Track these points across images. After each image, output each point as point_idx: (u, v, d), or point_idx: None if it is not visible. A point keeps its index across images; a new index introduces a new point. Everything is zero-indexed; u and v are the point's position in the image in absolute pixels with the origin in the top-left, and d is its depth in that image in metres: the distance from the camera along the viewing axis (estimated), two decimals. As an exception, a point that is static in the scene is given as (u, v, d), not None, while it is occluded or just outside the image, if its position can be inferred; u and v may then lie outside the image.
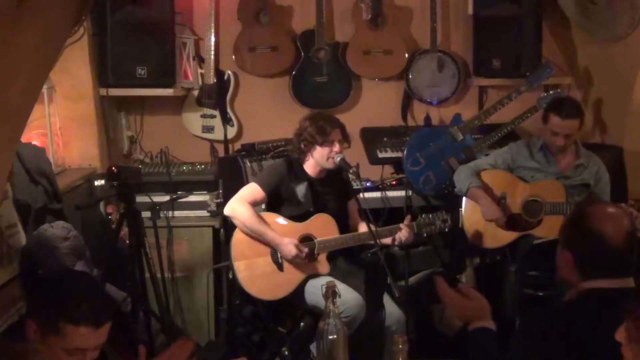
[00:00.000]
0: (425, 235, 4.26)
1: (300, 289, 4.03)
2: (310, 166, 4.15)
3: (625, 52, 4.93)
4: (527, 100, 5.05)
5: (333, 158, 4.06)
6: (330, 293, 2.73)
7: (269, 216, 4.10)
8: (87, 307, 2.37)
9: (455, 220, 4.42)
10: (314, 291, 3.95)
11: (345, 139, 4.12)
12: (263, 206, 4.25)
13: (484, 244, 4.58)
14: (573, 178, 4.51)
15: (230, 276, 4.19)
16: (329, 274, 3.98)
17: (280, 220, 4.09)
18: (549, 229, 4.33)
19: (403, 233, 4.07)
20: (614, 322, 1.98)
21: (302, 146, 4.10)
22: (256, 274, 4.03)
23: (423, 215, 4.22)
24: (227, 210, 4.08)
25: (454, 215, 4.50)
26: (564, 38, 5.53)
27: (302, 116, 4.31)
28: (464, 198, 4.62)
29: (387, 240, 4.11)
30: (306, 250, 3.98)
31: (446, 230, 4.25)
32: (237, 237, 4.07)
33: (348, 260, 4.14)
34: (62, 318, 2.35)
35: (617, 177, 4.82)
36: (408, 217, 4.20)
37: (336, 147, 4.05)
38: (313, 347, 3.97)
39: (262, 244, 4.03)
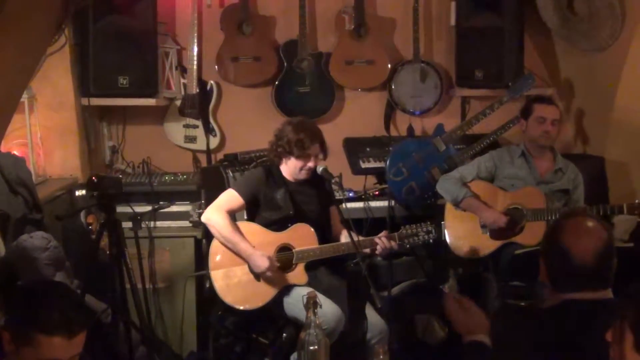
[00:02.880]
0: (408, 246, 4.21)
1: (278, 300, 3.99)
2: (287, 171, 4.14)
3: (607, 63, 4.98)
4: (510, 111, 5.08)
5: (306, 170, 4.04)
6: (312, 304, 2.72)
7: (248, 225, 4.08)
8: (60, 316, 2.33)
9: (439, 231, 4.40)
10: (292, 302, 3.93)
11: (322, 151, 4.11)
12: (244, 215, 4.24)
13: (467, 254, 4.58)
14: (553, 183, 4.55)
15: (207, 285, 4.17)
16: (308, 285, 3.95)
17: (259, 229, 4.06)
18: (531, 235, 4.34)
19: (382, 240, 4.02)
20: (590, 333, 1.99)
21: (278, 150, 4.08)
22: (233, 283, 4.01)
23: (406, 226, 4.13)
24: (204, 217, 4.08)
25: (437, 225, 4.50)
26: (545, 49, 5.57)
27: (286, 119, 4.26)
28: (446, 208, 4.62)
29: (368, 251, 4.08)
30: (277, 264, 3.96)
31: (430, 241, 4.16)
32: (215, 245, 4.05)
33: (329, 271, 4.11)
34: (34, 328, 2.32)
35: (599, 187, 4.85)
36: (384, 232, 4.09)
37: (311, 163, 4.03)
38: (294, 359, 3.95)
39: None
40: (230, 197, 4.08)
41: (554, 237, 2.42)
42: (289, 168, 4.09)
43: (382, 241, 4.00)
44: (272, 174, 4.13)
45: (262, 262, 3.89)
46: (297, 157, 4.01)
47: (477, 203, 4.51)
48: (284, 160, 4.10)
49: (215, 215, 4.01)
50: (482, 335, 2.38)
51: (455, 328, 2.45)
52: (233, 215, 4.09)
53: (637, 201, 4.23)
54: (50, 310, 2.34)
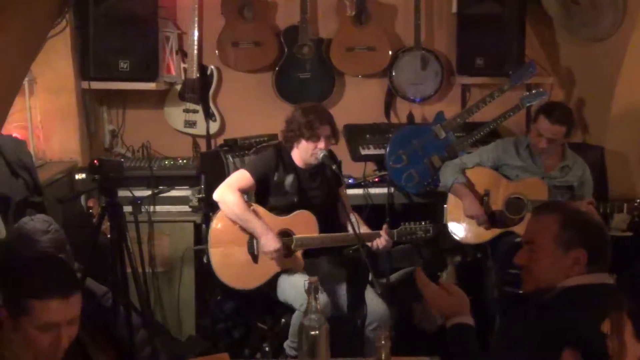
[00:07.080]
0: (405, 242, 4.24)
1: (273, 283, 4.02)
2: (297, 157, 4.13)
3: (608, 52, 4.97)
4: (510, 99, 5.08)
5: (316, 155, 4.04)
6: (313, 289, 2.72)
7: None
8: (51, 280, 2.36)
9: (439, 217, 4.41)
10: (286, 287, 3.96)
11: (333, 135, 4.11)
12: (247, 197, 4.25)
13: (466, 240, 4.60)
14: (557, 179, 4.53)
15: (205, 260, 4.18)
16: (305, 272, 3.97)
17: (261, 211, 4.06)
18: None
19: (381, 241, 4.04)
20: (600, 316, 2.00)
21: (289, 135, 4.09)
22: (230, 262, 4.03)
23: (405, 224, 4.15)
24: (216, 195, 4.05)
25: (438, 213, 4.51)
26: (547, 38, 5.56)
27: (296, 105, 4.28)
28: (449, 194, 4.63)
29: (370, 244, 4.09)
30: (284, 252, 3.98)
31: (426, 239, 4.23)
32: (216, 224, 4.07)
33: (328, 260, 4.13)
34: (27, 296, 2.33)
35: (599, 177, 4.86)
36: (385, 226, 4.11)
37: (321, 144, 4.02)
38: (287, 346, 3.98)
39: (241, 232, 4.01)
40: (241, 176, 4.08)
41: (589, 221, 2.45)
42: (301, 152, 4.09)
43: (379, 241, 4.03)
44: (283, 158, 4.14)
45: (273, 243, 3.91)
46: (308, 139, 4.01)
47: (464, 190, 4.53)
48: (295, 145, 4.10)
49: (228, 193, 4.01)
50: (467, 316, 2.39)
51: (436, 310, 2.44)
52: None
53: (638, 201, 4.26)
54: (40, 276, 2.37)
